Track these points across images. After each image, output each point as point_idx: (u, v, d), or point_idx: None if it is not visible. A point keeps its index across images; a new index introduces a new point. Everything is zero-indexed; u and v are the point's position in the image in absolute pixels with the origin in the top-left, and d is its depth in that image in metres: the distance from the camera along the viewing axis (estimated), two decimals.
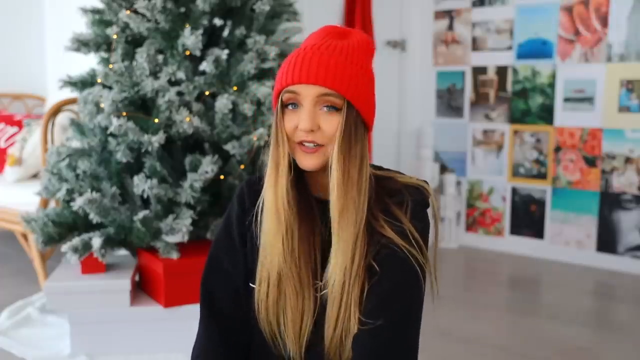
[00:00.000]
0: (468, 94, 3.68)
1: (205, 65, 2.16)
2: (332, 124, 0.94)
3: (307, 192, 1.04)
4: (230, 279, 1.10)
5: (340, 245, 0.96)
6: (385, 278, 0.97)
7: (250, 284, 1.07)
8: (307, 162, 0.97)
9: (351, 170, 0.95)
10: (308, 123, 0.93)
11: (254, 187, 1.09)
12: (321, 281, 1.01)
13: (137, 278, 2.23)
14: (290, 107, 0.97)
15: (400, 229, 0.98)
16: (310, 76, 0.93)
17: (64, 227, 2.16)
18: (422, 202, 1.02)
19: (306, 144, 0.96)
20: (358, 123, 0.96)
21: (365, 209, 0.97)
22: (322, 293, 1.01)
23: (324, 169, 0.98)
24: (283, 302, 1.03)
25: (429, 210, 1.05)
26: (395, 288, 0.97)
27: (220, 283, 1.11)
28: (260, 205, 1.03)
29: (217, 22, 2.35)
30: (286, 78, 0.95)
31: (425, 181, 1.06)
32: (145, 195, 2.09)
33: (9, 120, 3.37)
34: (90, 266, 2.12)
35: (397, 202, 1.01)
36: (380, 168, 1.08)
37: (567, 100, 3.33)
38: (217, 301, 1.10)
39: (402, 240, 0.97)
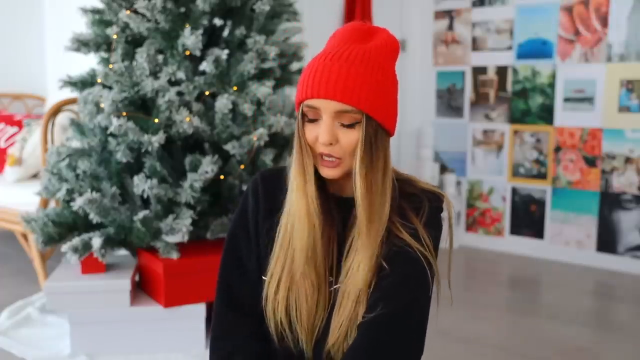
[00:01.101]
0: (468, 94, 3.68)
1: (205, 65, 2.16)
2: (350, 138, 0.96)
3: (325, 190, 1.05)
4: (248, 273, 1.11)
5: (365, 253, 0.98)
6: (393, 273, 0.99)
7: (263, 277, 1.08)
8: (328, 173, 0.99)
9: (374, 182, 0.97)
10: (327, 137, 0.95)
11: (268, 180, 1.11)
12: (334, 276, 1.03)
13: (137, 278, 2.23)
14: (310, 116, 0.98)
15: (414, 232, 1.00)
16: (328, 92, 0.93)
17: (64, 227, 2.15)
18: (438, 209, 1.05)
19: (326, 157, 0.98)
20: (378, 132, 0.97)
21: (387, 214, 0.99)
22: (334, 287, 1.03)
23: None
24: (295, 297, 1.04)
25: (444, 217, 1.07)
26: (401, 282, 0.98)
27: (239, 277, 1.12)
28: (283, 203, 1.04)
29: (217, 22, 2.35)
30: (305, 90, 0.96)
31: (441, 189, 1.08)
32: (145, 195, 2.10)
33: (9, 120, 3.37)
34: (90, 266, 2.11)
35: (414, 206, 1.03)
36: (397, 171, 1.09)
37: (567, 100, 3.33)
38: (239, 296, 1.11)
39: (416, 243, 0.99)
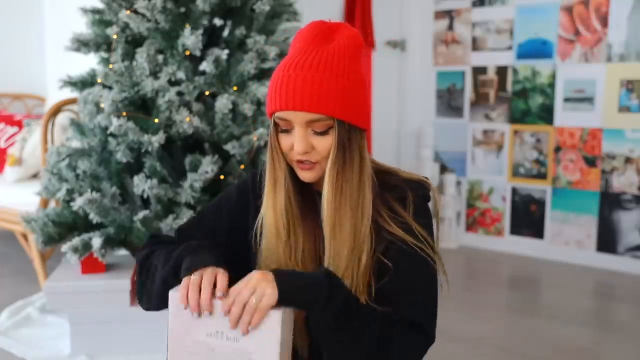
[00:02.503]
0: (468, 94, 3.68)
1: (205, 65, 2.16)
2: (325, 144, 0.97)
3: (308, 188, 1.06)
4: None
5: (334, 258, 0.99)
6: (399, 277, 0.99)
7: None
8: (305, 176, 1.00)
9: (345, 182, 0.97)
10: (302, 147, 0.96)
11: (258, 184, 1.10)
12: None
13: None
14: (283, 127, 0.99)
15: (406, 226, 1.00)
16: (296, 103, 0.94)
17: (64, 227, 2.15)
18: (424, 197, 1.05)
19: (304, 161, 0.99)
20: (351, 132, 0.97)
21: (367, 214, 0.99)
22: None
23: None
24: None
25: (431, 205, 1.07)
26: (410, 286, 1.00)
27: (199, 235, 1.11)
28: (261, 219, 1.05)
29: (217, 22, 2.35)
30: (274, 102, 0.96)
31: (426, 177, 1.08)
32: (145, 195, 2.09)
33: (9, 120, 3.37)
34: (90, 266, 2.12)
35: (398, 197, 1.03)
36: (378, 164, 1.09)
37: (567, 100, 3.33)
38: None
39: (410, 237, 0.99)
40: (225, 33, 2.36)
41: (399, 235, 0.99)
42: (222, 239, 1.10)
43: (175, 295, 0.91)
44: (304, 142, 0.96)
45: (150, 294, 1.04)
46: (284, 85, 0.95)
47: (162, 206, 2.11)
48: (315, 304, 0.90)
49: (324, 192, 0.97)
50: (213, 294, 0.89)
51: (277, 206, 1.01)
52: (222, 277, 0.90)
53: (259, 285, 0.87)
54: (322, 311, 0.90)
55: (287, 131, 0.98)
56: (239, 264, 1.01)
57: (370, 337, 0.93)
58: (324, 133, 0.96)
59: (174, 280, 0.96)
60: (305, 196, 1.04)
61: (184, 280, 0.91)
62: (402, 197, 1.02)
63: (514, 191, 3.56)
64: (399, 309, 0.98)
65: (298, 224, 1.02)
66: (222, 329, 0.88)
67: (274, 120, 0.99)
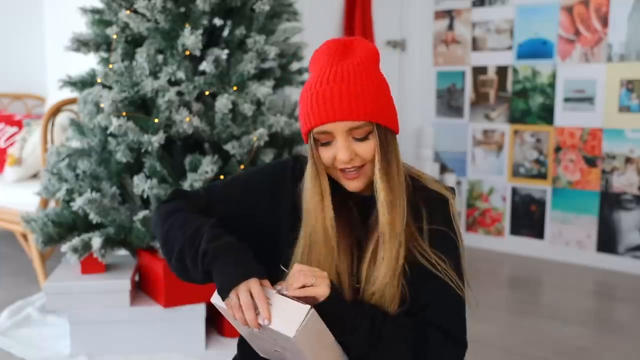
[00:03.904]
0: (468, 94, 3.68)
1: (205, 65, 2.16)
2: (367, 149, 1.00)
3: (342, 192, 1.07)
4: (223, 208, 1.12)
5: (386, 258, 1.01)
6: (427, 288, 1.03)
7: (282, 267, 1.09)
8: (353, 185, 1.03)
9: (393, 185, 1.01)
10: (347, 155, 0.99)
11: (298, 173, 1.11)
12: (357, 278, 1.05)
13: (137, 278, 2.23)
14: (323, 140, 1.01)
15: (433, 248, 1.04)
16: (336, 114, 0.97)
17: (64, 227, 2.16)
18: (446, 212, 1.07)
19: (347, 170, 1.01)
20: (388, 135, 1.03)
21: (405, 212, 1.03)
22: (357, 286, 1.05)
23: None
24: None
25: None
26: (442, 295, 1.04)
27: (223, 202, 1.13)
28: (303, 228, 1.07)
29: (217, 22, 2.35)
30: (313, 118, 0.99)
31: (452, 188, 1.11)
32: (145, 195, 2.10)
33: (9, 120, 3.37)
34: (90, 266, 2.12)
35: (427, 210, 1.06)
36: (408, 167, 1.13)
37: (567, 100, 3.33)
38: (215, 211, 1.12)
39: (440, 261, 1.03)
40: (225, 33, 2.36)
41: (428, 257, 1.03)
42: (244, 215, 1.11)
43: (223, 308, 1.00)
44: (348, 150, 0.99)
45: (172, 263, 1.10)
46: (319, 99, 0.98)
47: None
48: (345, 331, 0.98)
49: (379, 196, 1.00)
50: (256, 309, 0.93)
51: (326, 217, 1.03)
52: (256, 290, 0.94)
53: (318, 277, 0.95)
54: (350, 336, 0.98)
55: (327, 144, 1.01)
56: (258, 244, 1.04)
57: (404, 352, 0.99)
58: (364, 139, 1.00)
59: (196, 269, 1.03)
60: (340, 203, 1.06)
61: (226, 304, 0.96)
62: (428, 212, 1.06)
63: (514, 191, 3.56)
64: (430, 318, 1.02)
65: (338, 238, 1.05)
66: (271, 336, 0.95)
67: (312, 137, 1.01)
